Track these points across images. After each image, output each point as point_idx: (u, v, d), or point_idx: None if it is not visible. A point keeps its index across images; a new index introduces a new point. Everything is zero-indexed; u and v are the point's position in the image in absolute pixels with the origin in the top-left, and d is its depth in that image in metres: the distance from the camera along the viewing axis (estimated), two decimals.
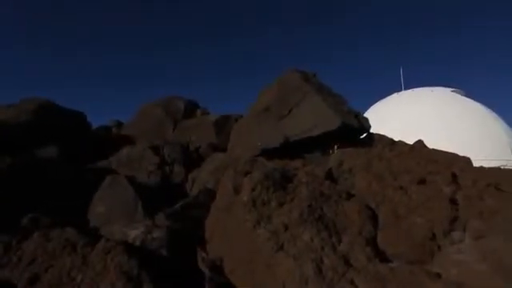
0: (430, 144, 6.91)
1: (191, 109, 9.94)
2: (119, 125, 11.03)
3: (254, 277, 2.95)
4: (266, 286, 2.84)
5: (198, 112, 9.66)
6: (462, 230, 3.43)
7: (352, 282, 2.67)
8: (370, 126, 5.11)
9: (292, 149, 4.89)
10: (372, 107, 24.99)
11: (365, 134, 5.02)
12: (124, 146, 7.86)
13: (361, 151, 4.32)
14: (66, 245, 3.23)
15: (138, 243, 3.41)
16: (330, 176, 4.03)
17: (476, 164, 7.44)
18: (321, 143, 4.79)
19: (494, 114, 21.84)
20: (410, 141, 6.88)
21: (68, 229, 3.47)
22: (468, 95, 23.20)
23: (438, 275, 2.86)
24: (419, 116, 19.01)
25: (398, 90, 25.60)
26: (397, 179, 3.86)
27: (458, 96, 22.73)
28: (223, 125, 8.03)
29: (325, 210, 3.28)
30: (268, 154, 4.94)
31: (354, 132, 4.74)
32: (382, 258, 3.11)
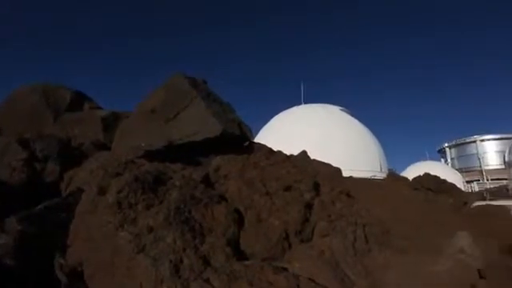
0: (314, 155, 7.86)
1: (78, 101, 9.02)
2: None
3: (113, 280, 2.91)
4: (125, 287, 2.84)
5: (86, 105, 8.84)
6: (312, 230, 4.05)
7: (207, 281, 2.88)
8: (251, 135, 5.55)
9: (176, 152, 4.95)
10: (273, 118, 26.87)
11: (247, 143, 5.43)
12: None
13: (239, 158, 4.67)
14: None
15: None
16: (206, 180, 4.24)
17: (350, 174, 8.74)
18: (204, 148, 4.99)
19: (369, 131, 25.88)
20: (297, 151, 7.70)
21: None
22: (352, 113, 26.95)
23: (284, 269, 3.32)
24: (308, 129, 21.29)
25: (299, 103, 28.13)
26: (266, 185, 4.29)
27: (344, 114, 26.22)
28: (113, 122, 7.56)
29: (193, 212, 3.45)
30: (151, 155, 4.89)
31: (236, 140, 5.09)
32: (242, 257, 3.44)
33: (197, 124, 4.64)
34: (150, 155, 4.88)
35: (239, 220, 3.79)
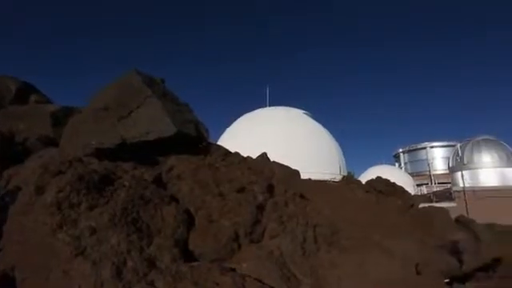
0: (275, 157, 7.97)
1: (25, 93, 8.40)
2: None
3: (47, 284, 2.75)
4: None
5: (33, 98, 8.25)
6: (262, 231, 4.12)
7: (151, 283, 2.83)
8: (208, 136, 5.54)
9: (129, 151, 4.80)
10: (237, 120, 26.96)
11: (203, 144, 5.40)
12: None
13: (193, 159, 4.63)
14: None
15: None
16: (158, 180, 4.16)
17: (310, 177, 8.96)
18: (159, 148, 4.88)
19: (331, 135, 26.82)
20: (259, 153, 7.77)
21: None
22: (315, 117, 27.76)
23: (233, 270, 3.35)
24: (270, 131, 21.63)
25: (264, 106, 28.44)
26: (219, 187, 4.30)
27: (306, 117, 26.96)
28: (63, 117, 7.13)
29: (141, 213, 3.36)
30: (102, 154, 4.69)
31: (192, 140, 5.04)
32: (190, 258, 3.41)
33: (150, 123, 4.53)
34: (101, 154, 4.69)
35: (190, 221, 3.76)
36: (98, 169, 3.59)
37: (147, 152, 4.87)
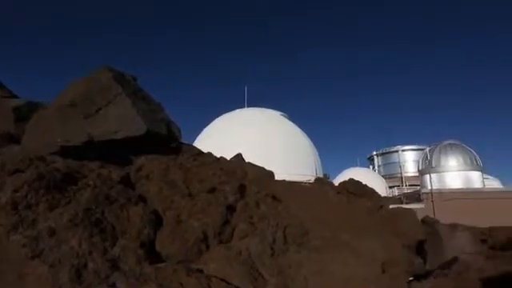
0: (251, 158, 7.96)
1: None
2: None
3: None
4: None
5: None
6: (232, 231, 4.11)
7: (113, 285, 2.75)
8: (180, 136, 5.47)
9: (97, 150, 4.65)
10: (215, 120, 26.76)
11: (175, 144, 5.32)
12: None
13: (164, 159, 4.55)
14: None
15: None
16: (126, 180, 4.05)
17: (286, 178, 9.01)
18: (129, 147, 4.77)
19: (307, 138, 27.18)
20: (235, 153, 7.73)
21: None
22: (292, 119, 28.04)
23: (200, 271, 3.32)
24: (247, 132, 21.66)
25: (242, 106, 28.38)
26: (189, 187, 4.25)
27: (283, 118, 27.19)
28: (27, 112, 6.80)
29: (106, 214, 3.27)
30: (67, 152, 4.52)
31: (164, 140, 4.96)
32: (156, 259, 3.35)
33: (120, 121, 4.42)
34: (66, 152, 4.51)
35: (158, 222, 3.69)
36: (60, 167, 3.46)
37: (116, 151, 4.74)
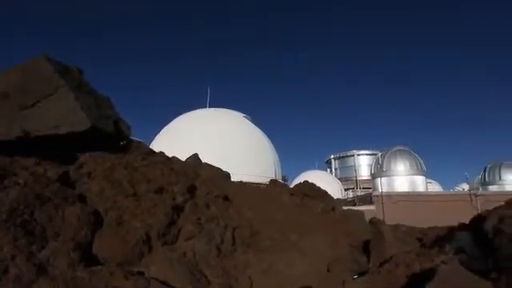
0: (211, 158, 7.82)
1: None
2: None
3: None
4: None
5: None
6: (177, 232, 4.02)
7: None
8: (130, 134, 5.25)
9: (34, 146, 4.32)
10: (175, 119, 26.10)
11: (124, 142, 5.11)
12: None
13: (109, 157, 4.34)
14: None
15: None
16: (64, 178, 3.80)
17: (245, 179, 8.98)
18: (72, 144, 4.48)
19: (268, 140, 27.47)
20: (194, 152, 7.55)
21: None
22: (254, 121, 28.18)
23: (141, 273, 3.19)
24: (208, 132, 21.45)
25: (204, 107, 27.96)
26: (134, 187, 4.09)
27: (246, 120, 27.24)
28: None
29: (36, 214, 3.03)
30: (0, 148, 4.15)
31: (111, 137, 4.73)
32: (93, 262, 3.17)
33: (61, 116, 4.13)
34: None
35: (98, 222, 3.50)
36: None
37: (56, 147, 4.43)
